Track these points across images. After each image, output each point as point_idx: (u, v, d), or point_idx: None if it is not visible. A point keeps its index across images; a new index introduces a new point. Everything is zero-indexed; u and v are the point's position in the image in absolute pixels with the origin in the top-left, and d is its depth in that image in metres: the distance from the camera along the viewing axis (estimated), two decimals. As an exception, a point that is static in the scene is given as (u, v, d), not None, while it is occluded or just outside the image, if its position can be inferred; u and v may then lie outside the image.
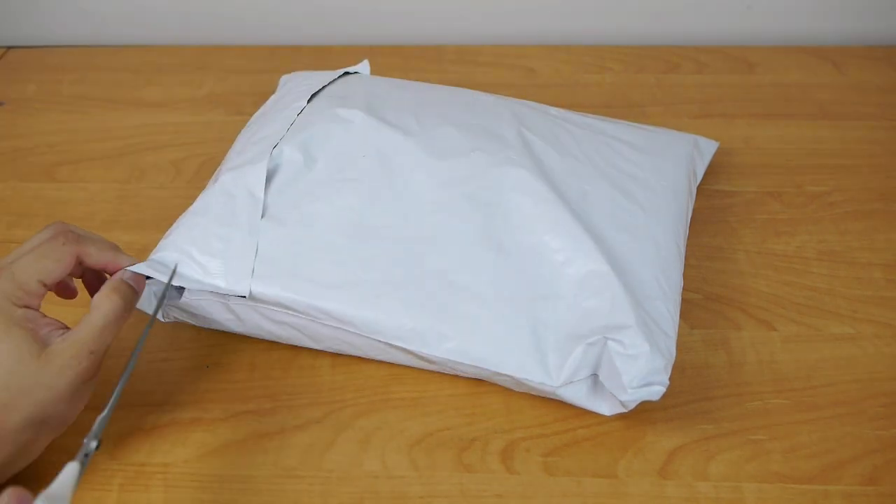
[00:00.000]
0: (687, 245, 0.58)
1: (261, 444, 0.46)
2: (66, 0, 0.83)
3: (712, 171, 0.65)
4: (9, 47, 0.83)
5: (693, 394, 0.49)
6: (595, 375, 0.45)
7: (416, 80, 0.75)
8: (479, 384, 0.49)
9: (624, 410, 0.45)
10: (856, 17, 0.82)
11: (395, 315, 0.46)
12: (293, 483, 0.44)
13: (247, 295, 0.46)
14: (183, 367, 0.51)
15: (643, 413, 0.47)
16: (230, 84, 0.76)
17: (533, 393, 0.47)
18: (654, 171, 0.54)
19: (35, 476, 0.42)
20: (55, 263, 0.43)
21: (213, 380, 0.50)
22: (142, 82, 0.77)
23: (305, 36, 0.84)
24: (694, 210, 0.61)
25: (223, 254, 0.47)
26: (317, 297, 0.46)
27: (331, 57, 0.79)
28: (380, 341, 0.47)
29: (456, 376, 0.49)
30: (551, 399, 0.47)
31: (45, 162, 0.68)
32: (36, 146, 0.70)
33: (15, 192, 0.65)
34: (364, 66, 0.64)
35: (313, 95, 0.57)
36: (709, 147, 0.62)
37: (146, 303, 0.48)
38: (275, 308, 0.47)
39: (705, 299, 0.54)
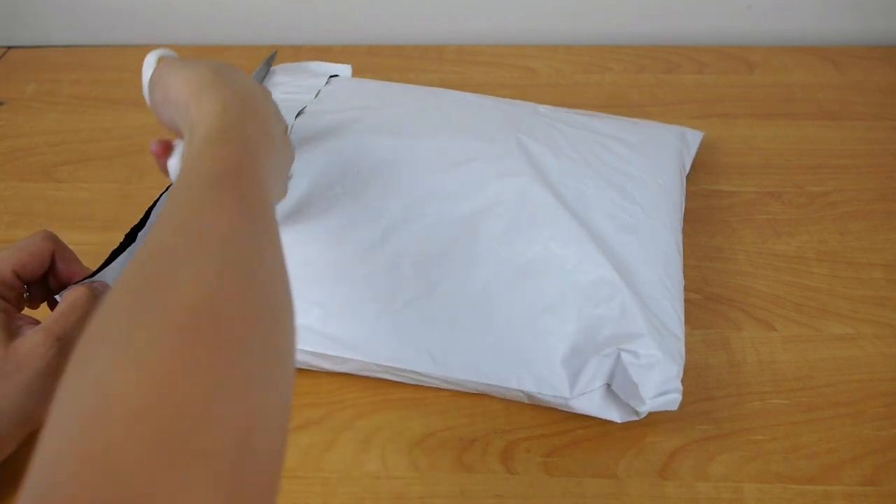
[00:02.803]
0: (687, 245, 0.58)
1: (261, 444, 0.46)
2: (66, 0, 0.83)
3: (712, 170, 0.65)
4: (9, 47, 0.83)
5: (693, 394, 0.49)
6: (607, 385, 0.45)
7: (416, 80, 0.75)
8: (480, 384, 0.49)
9: (637, 418, 0.45)
10: (856, 17, 0.82)
11: (400, 335, 0.45)
12: (293, 483, 0.44)
13: None
14: (183, 367, 0.50)
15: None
16: (230, 84, 0.76)
17: (545, 405, 0.46)
18: (648, 169, 0.54)
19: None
20: (30, 256, 0.43)
21: (213, 380, 0.50)
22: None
23: (305, 36, 0.84)
24: (694, 210, 0.61)
25: None
26: (320, 321, 0.46)
27: (330, 57, 0.79)
28: (383, 371, 0.47)
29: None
30: (570, 410, 0.47)
31: (45, 162, 0.68)
32: (36, 146, 0.69)
33: (15, 192, 0.65)
34: (345, 70, 0.62)
35: (300, 112, 0.55)
36: (694, 138, 0.62)
37: None
38: None
39: (705, 299, 0.54)
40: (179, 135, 0.43)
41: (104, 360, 0.24)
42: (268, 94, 0.44)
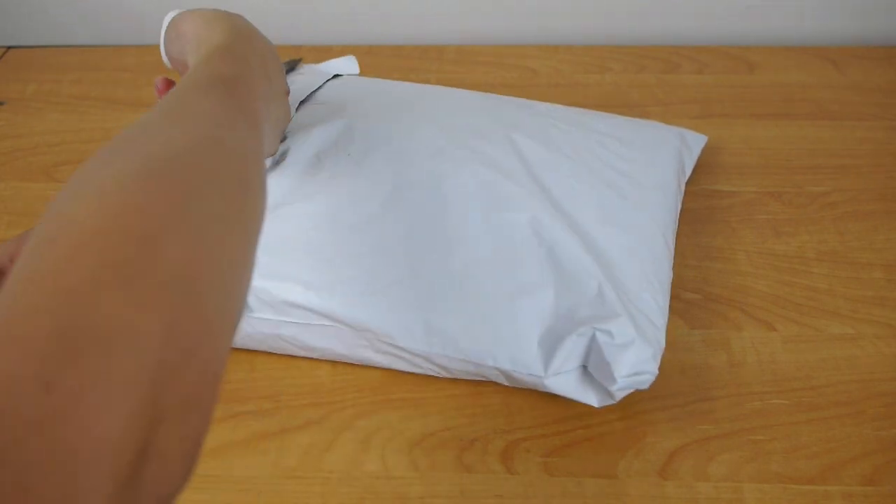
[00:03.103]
0: (687, 245, 0.58)
1: (261, 444, 0.46)
2: (66, 0, 0.83)
3: (712, 170, 0.65)
4: (9, 47, 0.83)
5: (693, 394, 0.49)
6: (584, 366, 0.45)
7: (416, 80, 0.75)
8: (479, 384, 0.49)
9: (612, 402, 0.45)
10: (856, 17, 0.82)
11: (383, 312, 0.46)
12: (293, 483, 0.44)
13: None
14: (183, 367, 0.51)
15: (643, 413, 0.47)
16: (230, 84, 0.76)
17: (523, 386, 0.47)
18: (642, 167, 0.55)
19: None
20: (16, 244, 0.43)
21: (213, 380, 0.50)
22: (142, 82, 0.77)
23: (305, 36, 0.84)
24: (694, 210, 0.61)
25: None
26: (305, 297, 0.46)
27: (330, 57, 0.79)
28: (368, 344, 0.47)
29: (455, 377, 0.49)
30: (551, 399, 0.47)
31: (45, 162, 0.68)
32: (36, 146, 0.69)
33: (15, 192, 0.65)
34: (352, 64, 0.63)
35: (301, 103, 0.56)
36: (697, 141, 0.62)
37: None
38: (264, 318, 0.47)
39: (705, 299, 0.54)
40: (184, 72, 0.45)
41: (68, 199, 0.26)
42: (274, 51, 0.46)
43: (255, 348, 0.50)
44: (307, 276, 0.47)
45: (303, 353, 0.50)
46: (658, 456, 0.45)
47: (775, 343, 0.52)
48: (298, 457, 0.46)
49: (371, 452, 0.46)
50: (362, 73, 0.65)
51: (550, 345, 0.45)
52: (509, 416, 0.48)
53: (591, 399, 0.46)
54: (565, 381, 0.46)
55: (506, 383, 0.47)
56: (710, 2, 0.81)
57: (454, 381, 0.49)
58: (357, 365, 0.50)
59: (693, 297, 0.54)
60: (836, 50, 0.79)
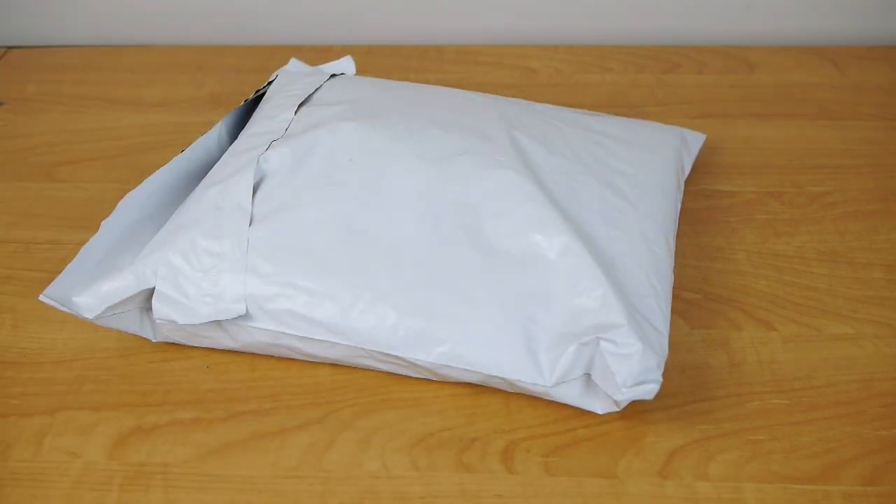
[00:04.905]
0: (687, 245, 0.58)
1: (261, 444, 0.46)
2: (66, 0, 0.83)
3: (712, 170, 0.65)
4: (9, 47, 0.83)
5: (693, 394, 0.49)
6: (588, 374, 0.45)
7: (416, 80, 0.76)
8: (480, 384, 0.49)
9: (617, 409, 0.45)
10: (856, 17, 0.82)
11: (386, 322, 0.46)
12: (293, 483, 0.45)
13: (243, 312, 0.46)
14: (183, 367, 0.51)
15: (643, 413, 0.47)
16: (230, 84, 0.76)
17: (527, 393, 0.47)
18: (643, 167, 0.55)
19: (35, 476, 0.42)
20: None
21: (213, 380, 0.50)
22: (142, 82, 0.77)
23: (305, 36, 0.84)
24: (694, 210, 0.61)
25: (214, 269, 0.47)
26: (308, 306, 0.46)
27: (331, 57, 0.79)
28: (368, 355, 0.47)
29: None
30: (551, 399, 0.47)
31: (45, 162, 0.68)
32: (36, 146, 0.70)
33: (15, 192, 0.65)
34: (348, 64, 0.63)
35: (300, 104, 0.56)
36: (695, 140, 0.62)
37: (135, 325, 0.49)
38: (263, 329, 0.47)
39: (705, 299, 0.54)
40: None
41: None
42: None
43: (259, 352, 0.50)
44: (309, 284, 0.47)
45: (302, 358, 0.50)
46: (658, 456, 0.45)
47: (775, 343, 0.52)
48: (298, 456, 0.46)
49: (371, 452, 0.46)
50: (363, 74, 0.65)
51: (555, 354, 0.45)
52: (509, 416, 0.48)
53: (596, 407, 0.46)
54: (569, 390, 0.45)
55: (509, 390, 0.47)
56: (710, 2, 0.81)
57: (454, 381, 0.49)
58: (357, 365, 0.50)
59: (693, 297, 0.54)
60: (836, 50, 0.79)
